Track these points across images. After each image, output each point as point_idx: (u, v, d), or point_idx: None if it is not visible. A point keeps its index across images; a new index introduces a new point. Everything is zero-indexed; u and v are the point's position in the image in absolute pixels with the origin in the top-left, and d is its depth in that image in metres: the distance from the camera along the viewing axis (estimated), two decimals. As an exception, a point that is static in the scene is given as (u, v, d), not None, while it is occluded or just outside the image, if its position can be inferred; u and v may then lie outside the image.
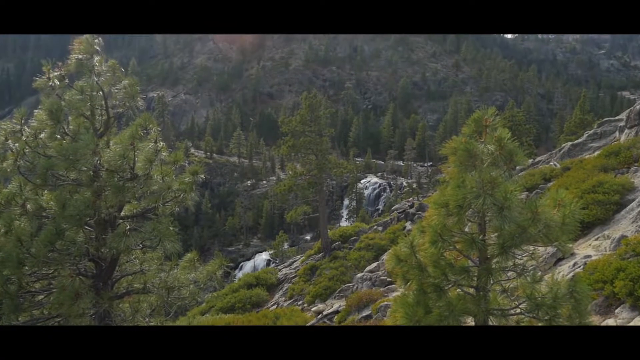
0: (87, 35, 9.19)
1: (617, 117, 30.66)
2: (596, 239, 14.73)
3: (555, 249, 7.61)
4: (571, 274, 12.21)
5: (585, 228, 15.64)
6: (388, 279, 24.24)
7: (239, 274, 66.22)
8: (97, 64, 9.38)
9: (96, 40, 9.34)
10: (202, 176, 9.70)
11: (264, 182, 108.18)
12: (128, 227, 8.89)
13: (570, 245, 6.31)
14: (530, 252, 6.41)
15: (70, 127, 9.21)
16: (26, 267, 8.46)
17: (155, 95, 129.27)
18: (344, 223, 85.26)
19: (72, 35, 8.46)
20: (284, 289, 33.07)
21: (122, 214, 9.64)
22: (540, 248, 8.79)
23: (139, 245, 9.41)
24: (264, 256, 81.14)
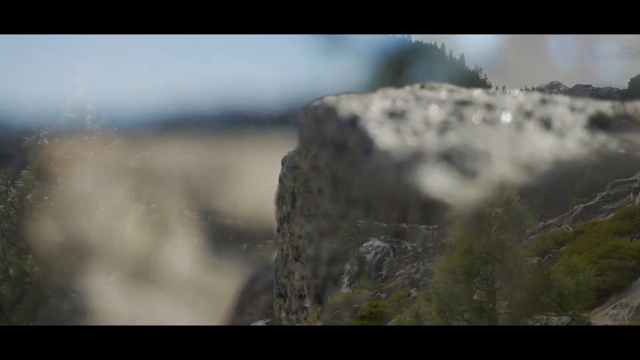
0: (79, 95, 9.36)
1: (630, 178, 30.69)
2: (613, 308, 14.53)
3: (570, 318, 7.53)
4: (588, 345, 11.98)
5: (602, 296, 15.42)
6: (392, 350, 23.80)
7: (233, 344, 65.04)
8: (89, 122, 9.51)
9: (88, 99, 9.51)
10: (196, 240, 9.70)
11: (261, 245, 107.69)
12: (116, 293, 8.82)
13: (586, 314, 6.24)
14: (544, 321, 6.34)
15: (59, 188, 9.24)
16: (6, 337, 8.33)
17: (148, 153, 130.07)
18: (345, 289, 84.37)
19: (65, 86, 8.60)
20: (282, 360, 32.36)
21: (111, 279, 9.57)
22: (554, 317, 8.68)
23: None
24: (260, 324, 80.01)
